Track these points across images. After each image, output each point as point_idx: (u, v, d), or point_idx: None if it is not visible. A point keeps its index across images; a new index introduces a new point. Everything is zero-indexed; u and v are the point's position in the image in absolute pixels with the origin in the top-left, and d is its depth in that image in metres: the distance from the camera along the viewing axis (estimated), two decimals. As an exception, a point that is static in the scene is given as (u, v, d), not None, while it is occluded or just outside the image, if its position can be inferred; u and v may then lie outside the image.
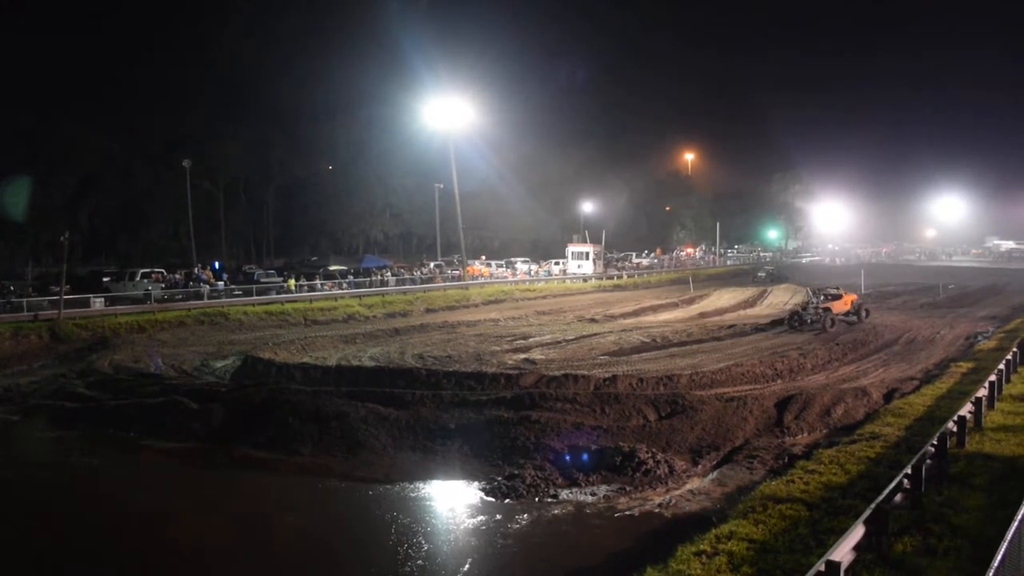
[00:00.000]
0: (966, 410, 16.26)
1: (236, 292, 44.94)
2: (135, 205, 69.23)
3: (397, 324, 39.49)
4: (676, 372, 24.37)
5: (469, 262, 65.01)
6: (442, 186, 68.28)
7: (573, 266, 70.75)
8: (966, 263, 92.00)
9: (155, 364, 28.98)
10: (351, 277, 53.39)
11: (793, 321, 36.04)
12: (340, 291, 48.55)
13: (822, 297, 37.35)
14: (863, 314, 37.41)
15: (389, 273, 56.70)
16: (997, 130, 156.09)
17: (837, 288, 39.00)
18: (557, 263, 72.77)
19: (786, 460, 16.37)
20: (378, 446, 18.30)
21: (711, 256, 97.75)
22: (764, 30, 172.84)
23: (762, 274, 68.27)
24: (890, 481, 11.64)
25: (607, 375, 23.49)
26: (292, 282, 48.31)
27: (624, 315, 43.00)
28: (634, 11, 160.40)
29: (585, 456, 16.89)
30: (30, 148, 60.31)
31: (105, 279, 45.31)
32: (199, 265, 53.49)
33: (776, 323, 37.35)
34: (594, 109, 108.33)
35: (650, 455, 16.60)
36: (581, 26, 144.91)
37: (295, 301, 44.52)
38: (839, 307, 36.70)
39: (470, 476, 16.59)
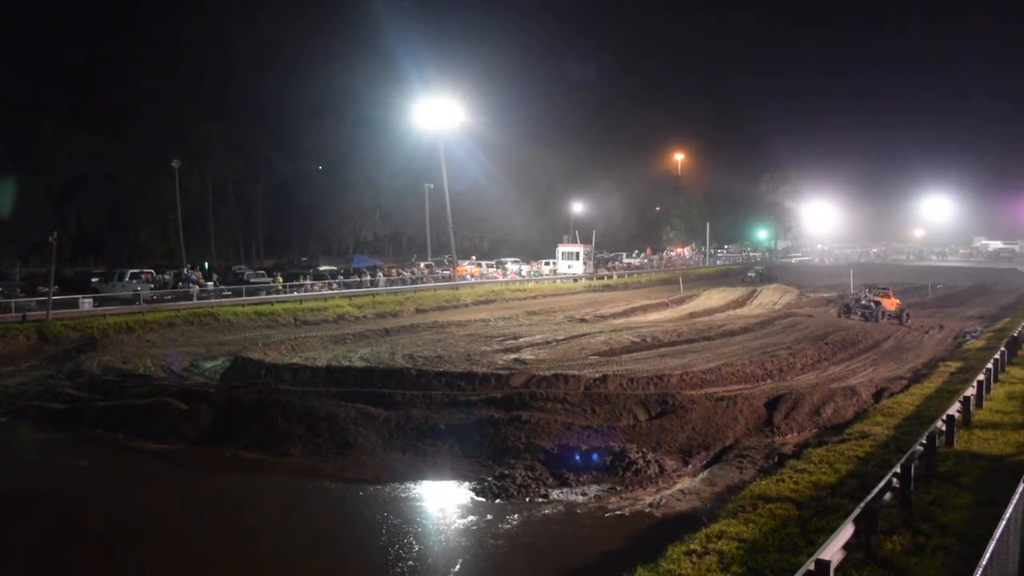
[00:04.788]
0: (954, 409, 16.33)
1: (225, 292, 44.75)
2: (123, 206, 68.95)
3: (387, 324, 39.39)
4: (666, 372, 24.32)
5: (459, 262, 64.94)
6: (432, 186, 68.17)
7: (563, 266, 70.78)
8: (954, 263, 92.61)
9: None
10: (341, 277, 53.27)
11: (843, 309, 40.12)
12: (330, 291, 48.41)
13: (873, 292, 40.18)
14: (905, 316, 38.27)
15: (379, 273, 56.58)
16: (985, 131, 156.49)
17: (886, 288, 41.18)
18: (547, 263, 72.75)
19: (776, 459, 16.43)
20: (368, 447, 18.23)
21: (701, 256, 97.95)
22: (753, 31, 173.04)
23: (752, 274, 68.45)
24: (879, 480, 11.67)
25: (597, 375, 23.42)
26: (280, 279, 48.57)
27: (614, 315, 43.01)
28: (625, 13, 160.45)
29: (575, 456, 16.83)
30: (16, 149, 59.86)
31: (93, 280, 45.11)
32: (188, 265, 53.21)
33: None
34: (584, 110, 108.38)
35: (640, 455, 16.60)
36: (571, 27, 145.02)
37: (285, 301, 44.38)
38: (887, 304, 38.77)
39: (460, 476, 16.55)
